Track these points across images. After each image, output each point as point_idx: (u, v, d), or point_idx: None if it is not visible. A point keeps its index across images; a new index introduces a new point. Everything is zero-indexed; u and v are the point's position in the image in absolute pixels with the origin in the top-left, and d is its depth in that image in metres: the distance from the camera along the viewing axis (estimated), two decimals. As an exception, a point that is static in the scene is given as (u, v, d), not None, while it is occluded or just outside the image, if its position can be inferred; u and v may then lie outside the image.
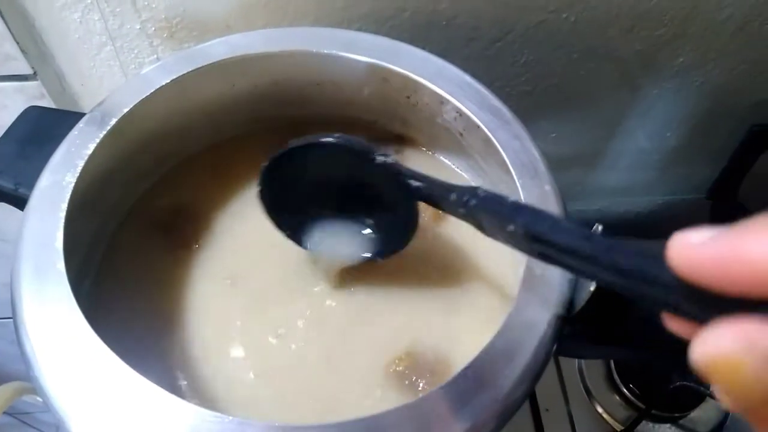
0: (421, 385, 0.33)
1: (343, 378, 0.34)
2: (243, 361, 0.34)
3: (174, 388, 0.26)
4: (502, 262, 0.39)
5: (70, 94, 0.54)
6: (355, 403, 0.33)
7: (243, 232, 0.40)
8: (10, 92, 0.51)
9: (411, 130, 0.44)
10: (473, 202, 0.28)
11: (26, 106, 0.39)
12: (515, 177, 0.34)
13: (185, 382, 0.33)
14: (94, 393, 0.26)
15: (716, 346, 0.16)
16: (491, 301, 0.37)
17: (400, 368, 0.34)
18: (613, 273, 0.20)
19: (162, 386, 0.26)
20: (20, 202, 0.34)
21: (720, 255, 0.16)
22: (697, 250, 0.16)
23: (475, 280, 0.38)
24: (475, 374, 0.27)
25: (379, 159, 0.31)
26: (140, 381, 0.26)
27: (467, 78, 0.38)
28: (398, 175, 0.31)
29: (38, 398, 0.85)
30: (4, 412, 0.76)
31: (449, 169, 0.43)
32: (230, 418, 0.25)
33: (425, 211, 0.41)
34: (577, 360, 0.61)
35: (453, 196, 0.29)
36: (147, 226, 0.40)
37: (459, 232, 0.40)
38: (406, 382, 0.33)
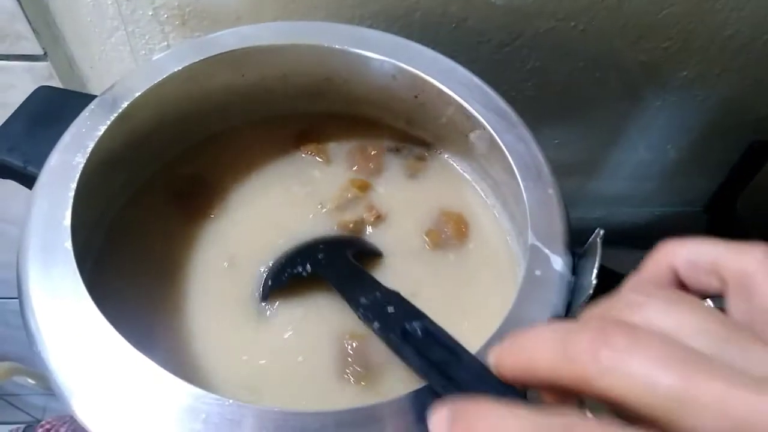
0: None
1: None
2: (236, 340, 0.35)
3: (175, 367, 0.26)
4: (500, 261, 0.39)
5: (79, 76, 0.54)
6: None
7: (255, 206, 0.41)
8: (19, 72, 0.51)
9: (416, 128, 0.44)
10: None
11: (34, 86, 0.40)
12: (519, 179, 0.34)
13: (186, 362, 0.33)
14: (96, 370, 0.26)
15: None
16: (489, 301, 0.37)
17: None
18: None
19: (163, 365, 0.26)
20: (29, 180, 0.34)
21: None
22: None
23: (474, 280, 0.38)
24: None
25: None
26: (142, 360, 0.26)
27: (475, 79, 0.39)
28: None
29: (28, 379, 0.85)
30: (-8, 393, 0.76)
31: (454, 170, 0.44)
32: (230, 401, 0.25)
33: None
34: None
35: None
36: (154, 204, 0.40)
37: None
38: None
